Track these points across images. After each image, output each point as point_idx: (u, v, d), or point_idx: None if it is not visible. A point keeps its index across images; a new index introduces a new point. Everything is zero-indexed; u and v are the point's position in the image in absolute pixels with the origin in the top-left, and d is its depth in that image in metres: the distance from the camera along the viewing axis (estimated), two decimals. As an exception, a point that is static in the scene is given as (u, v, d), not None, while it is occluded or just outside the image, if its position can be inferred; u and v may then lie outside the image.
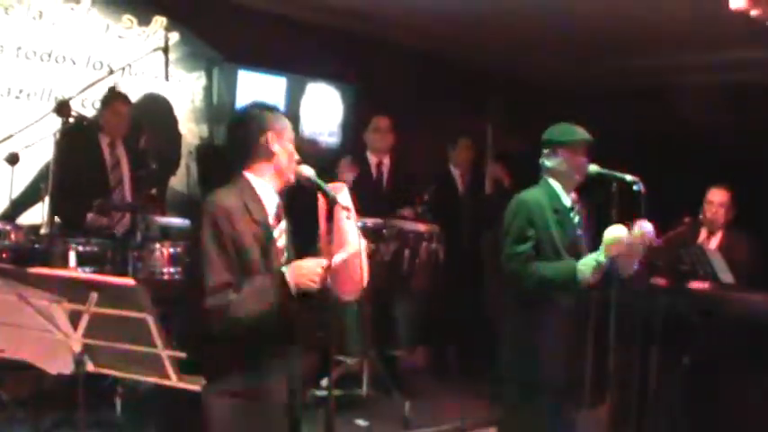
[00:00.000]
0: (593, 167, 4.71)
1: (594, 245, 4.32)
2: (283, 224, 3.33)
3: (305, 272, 3.14)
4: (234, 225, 3.11)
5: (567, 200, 4.32)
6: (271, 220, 3.27)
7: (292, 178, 3.32)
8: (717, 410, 5.47)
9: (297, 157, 3.34)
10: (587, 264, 4.06)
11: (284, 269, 3.15)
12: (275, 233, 3.28)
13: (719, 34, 7.24)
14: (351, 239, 3.25)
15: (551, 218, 4.21)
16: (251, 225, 3.16)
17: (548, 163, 4.31)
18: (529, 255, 4.14)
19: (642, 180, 4.47)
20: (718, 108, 8.12)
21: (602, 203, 4.48)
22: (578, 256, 4.23)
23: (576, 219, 4.34)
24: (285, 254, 3.31)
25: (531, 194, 4.32)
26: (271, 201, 3.29)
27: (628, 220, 4.21)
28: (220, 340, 3.09)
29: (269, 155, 3.28)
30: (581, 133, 4.33)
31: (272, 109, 3.41)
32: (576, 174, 4.31)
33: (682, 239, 5.96)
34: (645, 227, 4.14)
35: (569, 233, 4.27)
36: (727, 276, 5.69)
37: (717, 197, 6.14)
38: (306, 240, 5.72)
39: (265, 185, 3.28)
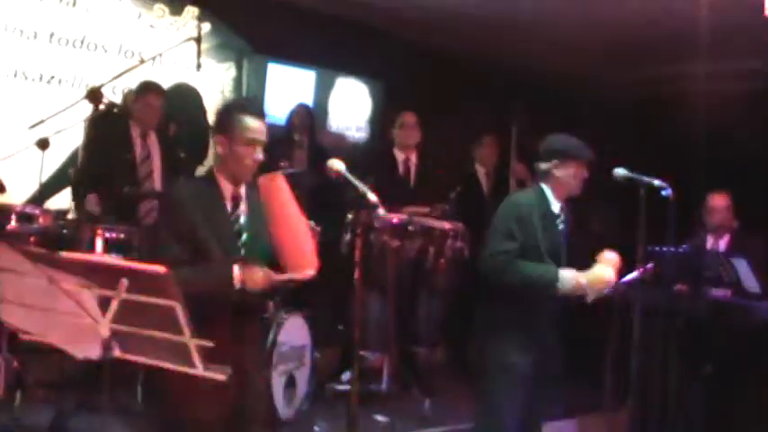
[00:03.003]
0: (622, 171, 4.70)
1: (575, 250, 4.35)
2: (241, 209, 3.59)
3: (253, 277, 3.42)
4: (187, 210, 3.47)
5: (556, 207, 4.34)
6: (229, 206, 3.57)
7: (246, 178, 3.58)
8: (737, 419, 5.45)
9: (254, 159, 3.54)
10: (568, 280, 4.08)
11: (235, 268, 3.40)
12: (231, 219, 3.57)
13: (752, 43, 7.21)
14: (293, 222, 3.57)
15: (538, 223, 4.24)
16: (206, 209, 3.50)
17: (556, 172, 4.30)
18: (515, 252, 4.17)
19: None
20: (745, 116, 8.08)
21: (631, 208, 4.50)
22: (558, 261, 4.25)
23: (561, 226, 4.34)
24: (244, 236, 3.57)
25: (525, 198, 4.39)
26: (227, 191, 3.58)
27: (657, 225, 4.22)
28: None
29: (220, 154, 3.59)
30: (589, 150, 4.35)
31: (244, 108, 3.64)
32: (578, 188, 4.33)
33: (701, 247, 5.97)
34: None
35: (553, 239, 4.29)
36: (752, 284, 5.66)
37: (721, 202, 6.15)
38: (329, 228, 5.77)
39: (223, 179, 3.59)
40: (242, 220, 3.60)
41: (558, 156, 4.32)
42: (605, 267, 4.11)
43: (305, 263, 3.54)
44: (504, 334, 4.27)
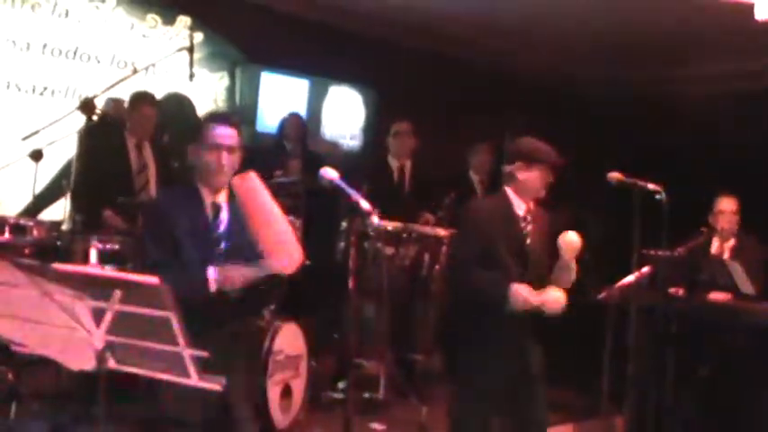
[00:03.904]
0: (615, 176, 4.70)
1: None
2: (221, 217, 3.67)
3: (227, 277, 3.52)
4: (168, 218, 3.58)
5: (521, 210, 4.29)
6: (209, 215, 3.66)
7: (218, 184, 3.66)
8: (733, 422, 5.45)
9: (220, 164, 3.61)
10: (518, 297, 4.02)
11: (210, 270, 3.50)
12: (210, 227, 3.66)
13: (747, 44, 7.24)
14: (272, 218, 3.62)
15: (501, 227, 4.21)
16: (186, 218, 3.60)
17: (519, 175, 4.27)
18: (471, 262, 4.14)
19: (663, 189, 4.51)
20: (741, 117, 8.10)
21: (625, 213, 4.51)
22: (526, 264, 4.20)
23: (528, 228, 4.30)
24: (223, 244, 3.66)
25: (485, 204, 4.40)
26: (207, 199, 3.68)
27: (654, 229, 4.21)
28: None
29: (194, 164, 3.72)
30: (554, 154, 4.32)
31: (211, 117, 3.91)
32: (543, 190, 4.30)
33: (700, 250, 5.96)
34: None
35: (517, 242, 4.23)
36: (747, 287, 5.67)
37: (729, 206, 6.13)
38: (324, 236, 5.76)
39: (203, 188, 3.70)
40: (222, 227, 3.68)
41: (523, 158, 4.28)
42: (557, 292, 4.07)
43: (288, 254, 3.59)
44: (473, 346, 4.19)
